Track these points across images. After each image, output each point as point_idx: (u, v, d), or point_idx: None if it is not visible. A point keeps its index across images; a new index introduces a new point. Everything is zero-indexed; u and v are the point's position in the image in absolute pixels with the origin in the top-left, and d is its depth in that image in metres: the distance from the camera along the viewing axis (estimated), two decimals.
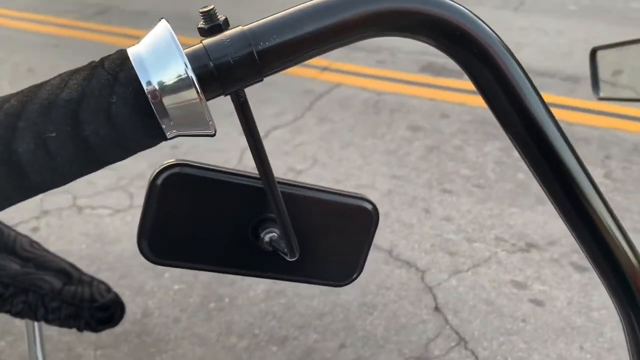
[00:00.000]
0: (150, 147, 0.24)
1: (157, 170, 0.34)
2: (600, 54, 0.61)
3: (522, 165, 2.38)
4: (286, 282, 1.91)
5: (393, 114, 2.78)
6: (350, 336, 1.62)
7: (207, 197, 0.35)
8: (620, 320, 0.31)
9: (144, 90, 0.23)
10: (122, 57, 0.24)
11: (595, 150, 2.50)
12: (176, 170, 0.33)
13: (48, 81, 0.23)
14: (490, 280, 1.79)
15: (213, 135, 0.26)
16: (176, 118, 0.24)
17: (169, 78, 0.24)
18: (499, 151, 2.48)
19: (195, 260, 0.37)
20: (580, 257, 1.89)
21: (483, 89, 0.28)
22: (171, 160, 0.34)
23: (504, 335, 1.60)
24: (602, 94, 0.60)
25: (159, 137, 0.24)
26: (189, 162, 0.34)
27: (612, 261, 0.29)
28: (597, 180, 2.19)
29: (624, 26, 3.70)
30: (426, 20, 0.27)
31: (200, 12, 0.26)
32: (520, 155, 0.29)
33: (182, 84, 0.24)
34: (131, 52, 0.24)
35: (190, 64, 0.24)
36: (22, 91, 0.23)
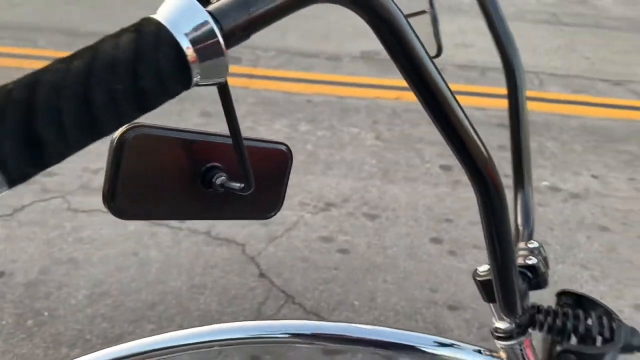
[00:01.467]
0: (177, 95, 0.31)
1: (119, 133, 0.39)
2: None
3: (309, 137, 2.65)
4: (108, 284, 1.84)
5: (182, 103, 2.81)
6: (187, 318, 1.67)
7: (163, 154, 0.41)
8: (477, 199, 0.45)
9: (181, 48, 0.29)
10: (153, 22, 0.29)
11: (364, 117, 2.88)
12: (136, 132, 0.39)
13: (97, 46, 0.28)
14: (302, 240, 1.99)
15: (224, 83, 0.34)
16: (204, 70, 0.30)
17: (199, 36, 0.29)
18: (287, 127, 2.71)
19: (156, 212, 0.43)
20: (369, 207, 2.20)
21: (376, 28, 0.36)
22: (130, 124, 0.39)
23: (322, 285, 1.82)
24: None
25: (186, 86, 0.30)
26: (145, 124, 0.40)
27: (470, 154, 0.42)
28: (370, 142, 2.55)
29: None
30: None
31: None
32: (407, 81, 0.40)
33: (209, 39, 0.30)
34: (160, 17, 0.29)
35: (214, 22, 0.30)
36: (73, 55, 0.28)
